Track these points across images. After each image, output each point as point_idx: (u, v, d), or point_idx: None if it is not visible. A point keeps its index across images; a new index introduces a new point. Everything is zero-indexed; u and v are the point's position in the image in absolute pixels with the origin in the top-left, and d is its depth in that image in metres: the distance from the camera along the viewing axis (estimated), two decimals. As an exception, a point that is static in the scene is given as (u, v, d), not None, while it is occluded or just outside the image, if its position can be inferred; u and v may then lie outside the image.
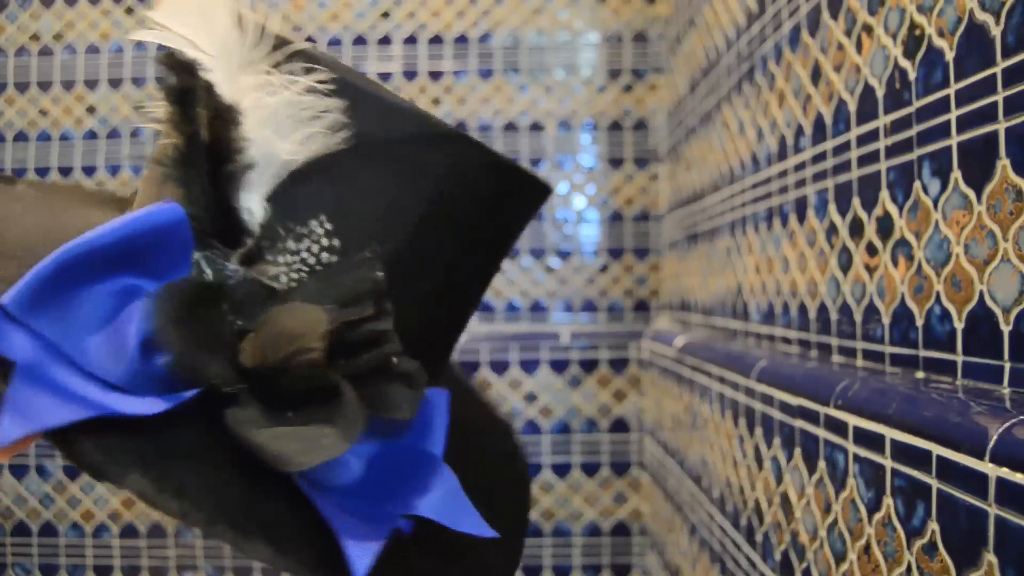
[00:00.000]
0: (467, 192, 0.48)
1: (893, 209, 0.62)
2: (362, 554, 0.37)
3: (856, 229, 0.68)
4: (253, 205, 0.43)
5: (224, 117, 0.42)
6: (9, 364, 0.36)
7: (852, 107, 0.69)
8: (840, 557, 0.64)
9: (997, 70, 0.49)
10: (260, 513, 0.38)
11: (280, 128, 0.43)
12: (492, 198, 0.49)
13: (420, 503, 0.43)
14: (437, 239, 0.47)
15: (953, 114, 0.54)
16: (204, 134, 0.42)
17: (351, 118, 0.44)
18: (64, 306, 0.38)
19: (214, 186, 0.43)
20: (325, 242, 0.44)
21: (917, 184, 0.58)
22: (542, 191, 0.52)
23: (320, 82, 0.43)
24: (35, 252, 0.39)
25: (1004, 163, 0.48)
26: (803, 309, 0.80)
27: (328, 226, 0.44)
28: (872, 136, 0.65)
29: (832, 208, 0.73)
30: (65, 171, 1.59)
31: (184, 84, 0.42)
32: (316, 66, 0.44)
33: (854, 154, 0.69)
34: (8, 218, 0.48)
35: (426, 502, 0.43)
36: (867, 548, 0.59)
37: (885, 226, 0.63)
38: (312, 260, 0.44)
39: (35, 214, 0.50)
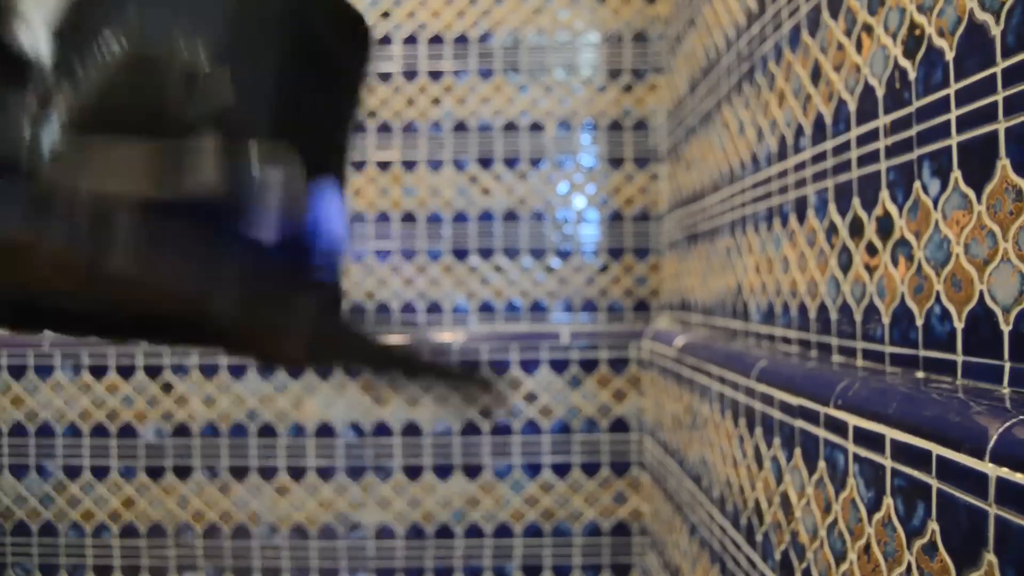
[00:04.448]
0: None
1: (893, 209, 0.62)
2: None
3: (856, 229, 0.68)
4: (38, 44, 0.45)
5: None
6: None
7: (852, 107, 0.69)
8: (840, 557, 0.64)
9: (997, 70, 0.49)
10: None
11: None
12: None
13: None
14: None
15: (953, 114, 0.54)
16: None
17: None
18: None
19: None
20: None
21: (917, 184, 0.58)
22: None
23: None
24: None
25: (1004, 163, 0.48)
26: (803, 309, 0.80)
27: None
28: (872, 136, 0.65)
29: (832, 208, 0.73)
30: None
31: None
32: None
33: (854, 154, 0.69)
34: None
35: None
36: (867, 548, 0.59)
37: (885, 226, 0.63)
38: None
39: None
